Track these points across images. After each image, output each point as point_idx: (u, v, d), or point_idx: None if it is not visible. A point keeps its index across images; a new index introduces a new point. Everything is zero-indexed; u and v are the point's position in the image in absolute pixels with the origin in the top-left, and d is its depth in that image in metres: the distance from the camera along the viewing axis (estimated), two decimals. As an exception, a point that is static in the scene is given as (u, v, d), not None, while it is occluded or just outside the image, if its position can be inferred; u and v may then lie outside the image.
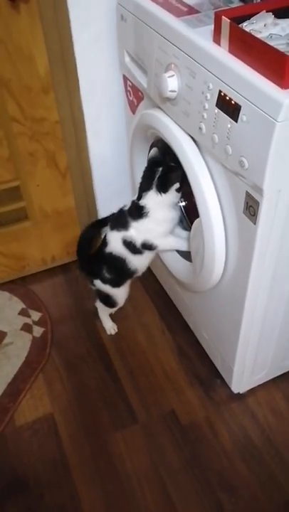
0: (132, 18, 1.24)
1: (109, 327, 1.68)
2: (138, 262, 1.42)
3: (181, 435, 1.40)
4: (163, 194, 1.27)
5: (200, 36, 1.01)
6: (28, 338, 1.66)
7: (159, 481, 1.31)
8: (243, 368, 1.38)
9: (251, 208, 1.00)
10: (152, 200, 1.30)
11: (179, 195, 1.30)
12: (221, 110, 0.97)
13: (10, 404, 1.48)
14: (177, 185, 1.26)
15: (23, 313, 1.75)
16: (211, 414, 1.44)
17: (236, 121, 0.93)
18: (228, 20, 0.93)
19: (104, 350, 1.63)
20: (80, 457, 1.36)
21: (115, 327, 1.68)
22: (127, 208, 1.37)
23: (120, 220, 1.38)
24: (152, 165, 1.29)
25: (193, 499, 1.27)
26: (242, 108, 0.91)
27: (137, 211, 1.33)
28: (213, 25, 0.98)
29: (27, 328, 1.69)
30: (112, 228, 1.40)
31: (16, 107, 1.46)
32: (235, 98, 0.92)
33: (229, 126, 0.96)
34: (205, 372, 1.55)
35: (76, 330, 1.70)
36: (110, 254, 1.41)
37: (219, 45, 0.97)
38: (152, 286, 1.82)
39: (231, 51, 0.95)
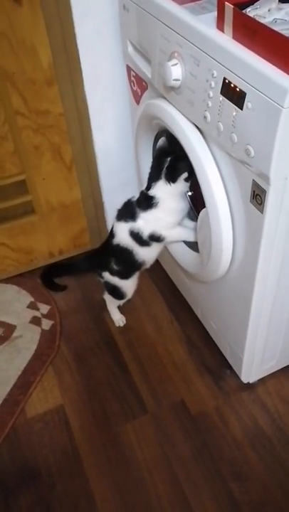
0: (135, 8, 1.23)
1: (118, 319, 1.68)
2: (146, 254, 1.42)
3: (192, 425, 1.40)
4: (172, 184, 1.27)
5: (203, 23, 1.00)
6: (37, 331, 1.67)
7: (170, 471, 1.31)
8: (253, 358, 1.38)
9: (258, 197, 0.99)
10: (162, 190, 1.30)
11: (187, 184, 1.29)
12: (226, 98, 0.96)
13: (21, 397, 1.49)
14: (186, 174, 1.25)
15: (32, 306, 1.75)
16: (220, 404, 1.44)
17: (241, 109, 0.92)
18: (232, 6, 0.92)
19: (113, 342, 1.64)
20: (91, 448, 1.37)
21: (124, 319, 1.68)
22: (135, 199, 1.37)
23: (128, 210, 1.38)
24: (160, 155, 1.29)
25: (204, 489, 1.27)
26: (247, 95, 0.90)
27: (146, 201, 1.32)
28: (216, 12, 0.97)
29: (36, 321, 1.70)
30: (120, 219, 1.40)
31: (20, 100, 1.45)
32: (240, 85, 0.91)
33: (234, 113, 0.95)
34: (214, 362, 1.55)
35: (85, 322, 1.71)
36: (118, 245, 1.41)
37: (223, 31, 0.96)
38: (160, 277, 1.82)
39: (235, 37, 0.94)
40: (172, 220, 1.35)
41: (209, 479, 1.29)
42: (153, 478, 1.30)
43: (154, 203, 1.31)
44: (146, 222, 1.35)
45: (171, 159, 1.26)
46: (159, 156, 1.30)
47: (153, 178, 1.31)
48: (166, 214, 1.33)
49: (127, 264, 1.45)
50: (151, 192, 1.31)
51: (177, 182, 1.27)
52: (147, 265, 1.47)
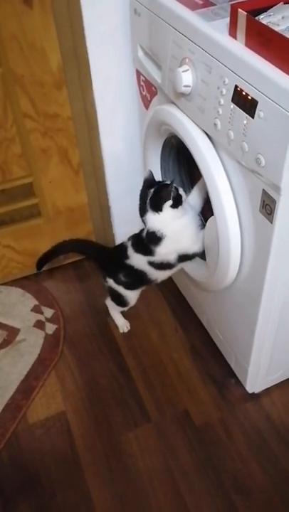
0: (146, 12, 1.22)
1: (122, 325, 1.67)
2: (161, 275, 1.41)
3: (195, 435, 1.38)
4: (160, 212, 1.24)
5: (215, 30, 0.99)
6: (41, 335, 1.65)
7: (172, 482, 1.29)
8: (258, 368, 1.36)
9: (268, 207, 0.98)
10: (154, 221, 1.26)
11: (180, 210, 1.25)
12: (237, 106, 0.94)
13: (23, 402, 1.48)
14: (170, 202, 1.23)
15: (36, 309, 1.74)
16: (224, 415, 1.42)
17: (253, 117, 0.91)
18: (245, 13, 0.90)
19: (116, 348, 1.62)
20: (92, 456, 1.36)
21: (128, 325, 1.67)
22: (144, 234, 1.32)
23: (143, 246, 1.33)
24: (145, 187, 1.28)
25: (207, 501, 1.25)
26: (259, 103, 0.88)
27: (154, 238, 1.28)
28: (229, 18, 0.95)
29: (40, 325, 1.69)
30: (136, 251, 1.37)
31: (28, 103, 1.44)
32: (252, 93, 0.90)
33: (245, 122, 0.93)
34: (219, 371, 1.53)
35: (88, 327, 1.69)
36: (132, 267, 1.40)
37: (235, 38, 0.95)
38: (165, 284, 1.79)
39: (248, 45, 0.92)
40: (191, 234, 1.30)
41: (212, 491, 1.27)
42: (154, 489, 1.28)
43: (162, 235, 1.27)
44: (168, 251, 1.30)
45: (154, 190, 1.25)
46: (143, 189, 1.28)
47: (141, 211, 1.28)
48: (180, 234, 1.29)
49: (137, 280, 1.44)
50: (149, 227, 1.27)
51: (164, 211, 1.24)
52: (158, 281, 1.45)
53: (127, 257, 1.40)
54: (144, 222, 1.29)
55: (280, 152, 0.86)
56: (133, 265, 1.39)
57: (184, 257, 1.33)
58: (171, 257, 1.32)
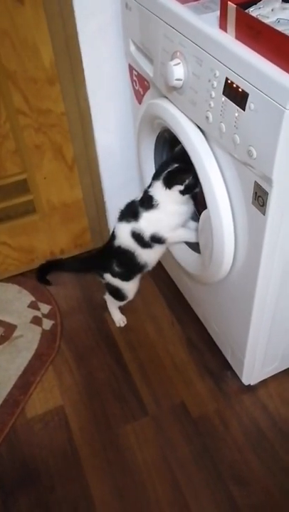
0: (137, 7, 1.22)
1: (119, 319, 1.67)
2: (148, 256, 1.41)
3: (192, 427, 1.39)
4: (167, 189, 1.27)
5: (206, 23, 0.99)
6: (38, 331, 1.66)
7: (170, 474, 1.30)
8: (254, 360, 1.37)
9: (260, 199, 0.98)
10: (158, 191, 1.29)
11: (184, 198, 1.29)
12: (228, 98, 0.95)
13: (21, 397, 1.48)
14: (180, 187, 1.26)
15: (33, 306, 1.75)
16: (221, 407, 1.43)
17: (244, 110, 0.91)
18: (234, 6, 0.90)
19: (113, 343, 1.63)
20: (91, 450, 1.36)
21: (124, 319, 1.68)
22: (138, 200, 1.36)
23: (130, 210, 1.37)
24: (172, 158, 1.30)
25: (205, 492, 1.26)
26: (249, 96, 0.89)
27: (148, 201, 1.32)
28: (219, 12, 0.96)
29: (37, 320, 1.70)
30: (121, 220, 1.39)
31: (21, 99, 1.44)
32: (243, 85, 0.90)
33: (237, 114, 0.94)
34: (215, 364, 1.53)
35: (85, 322, 1.70)
36: (119, 247, 1.40)
37: (226, 31, 0.95)
38: (161, 278, 1.81)
39: (238, 37, 0.93)
40: (173, 222, 1.34)
41: (210, 483, 1.28)
42: (153, 481, 1.29)
43: (155, 204, 1.30)
44: (148, 222, 1.34)
45: (176, 166, 1.26)
46: (170, 159, 1.31)
47: (155, 176, 1.31)
48: (167, 216, 1.32)
49: (129, 266, 1.44)
50: (151, 191, 1.31)
51: (172, 190, 1.27)
52: (149, 267, 1.46)
53: (114, 237, 1.42)
54: (151, 184, 1.32)
55: (271, 144, 0.87)
56: (120, 244, 1.40)
57: (154, 238, 1.36)
58: (146, 233, 1.35)
